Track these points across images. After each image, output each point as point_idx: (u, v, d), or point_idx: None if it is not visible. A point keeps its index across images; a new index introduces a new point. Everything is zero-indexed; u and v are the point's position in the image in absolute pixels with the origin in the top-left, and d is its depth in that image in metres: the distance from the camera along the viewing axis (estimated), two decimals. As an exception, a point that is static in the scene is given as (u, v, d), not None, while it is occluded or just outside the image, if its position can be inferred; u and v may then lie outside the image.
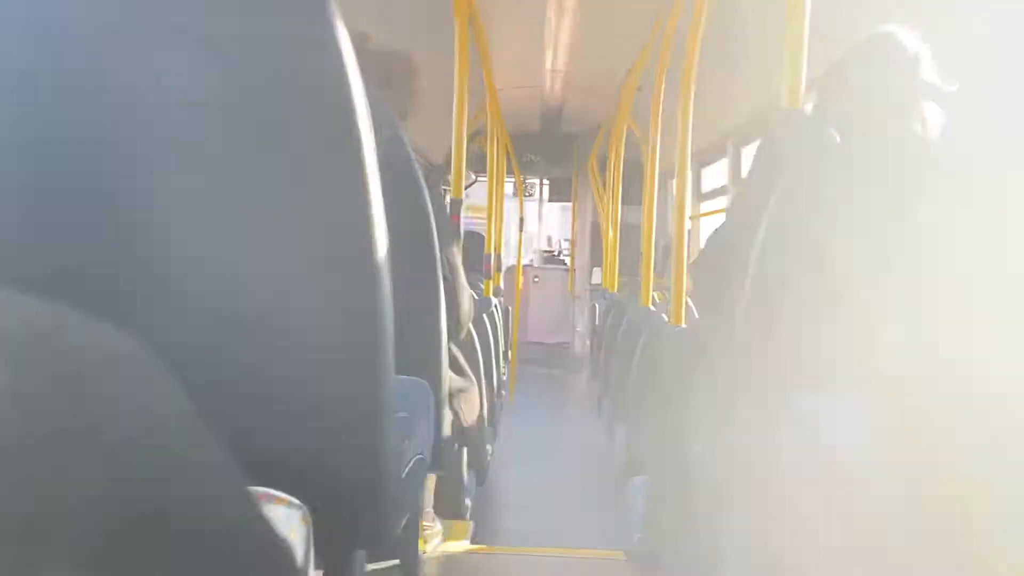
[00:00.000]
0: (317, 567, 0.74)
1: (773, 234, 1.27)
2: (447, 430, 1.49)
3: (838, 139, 1.19)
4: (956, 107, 0.74)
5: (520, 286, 6.45)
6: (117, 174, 0.80)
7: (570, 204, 7.43)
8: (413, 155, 1.42)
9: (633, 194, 5.12)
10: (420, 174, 1.41)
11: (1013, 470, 0.57)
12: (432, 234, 1.41)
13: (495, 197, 3.91)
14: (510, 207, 6.56)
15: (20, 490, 0.23)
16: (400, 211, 1.10)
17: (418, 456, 1.15)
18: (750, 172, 1.47)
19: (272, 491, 0.70)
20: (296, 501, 0.72)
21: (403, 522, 1.02)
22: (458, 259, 1.77)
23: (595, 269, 6.74)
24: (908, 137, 1.33)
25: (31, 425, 0.23)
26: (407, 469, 1.04)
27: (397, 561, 1.51)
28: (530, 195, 7.52)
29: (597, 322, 4.88)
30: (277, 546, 0.34)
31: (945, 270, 0.76)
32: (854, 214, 1.24)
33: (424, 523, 1.58)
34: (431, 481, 1.87)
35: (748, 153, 4.10)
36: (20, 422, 0.23)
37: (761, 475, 1.22)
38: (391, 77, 1.62)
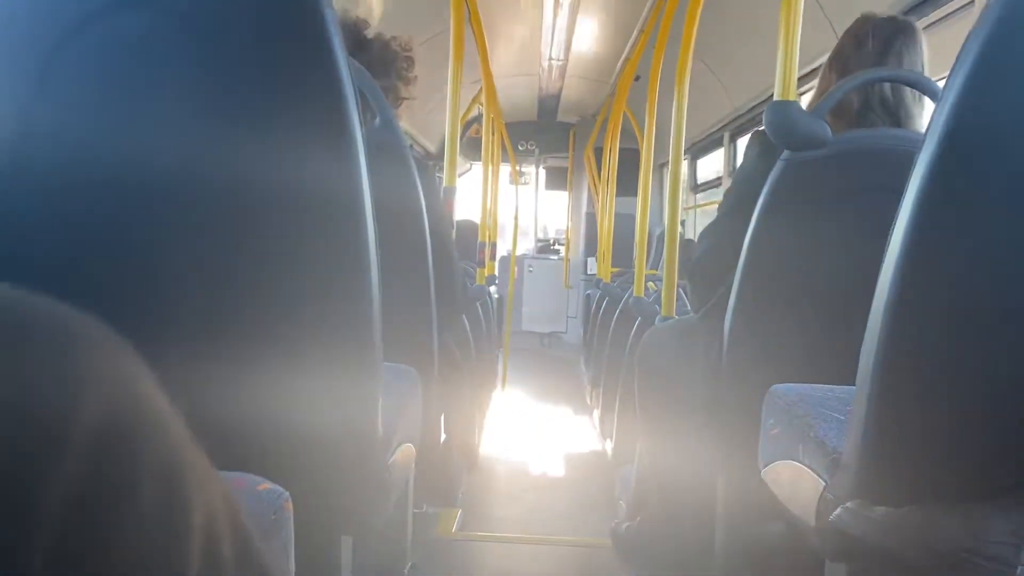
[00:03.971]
0: (301, 552, 0.75)
1: (763, 227, 1.27)
2: (436, 417, 1.50)
3: (830, 131, 1.19)
4: (946, 98, 0.73)
5: (514, 275, 6.44)
6: (106, 158, 0.79)
7: (566, 193, 7.41)
8: (407, 142, 1.42)
9: (629, 184, 5.10)
10: (413, 161, 1.41)
11: None
12: (423, 221, 1.41)
13: (490, 185, 3.89)
14: (505, 195, 6.54)
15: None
16: (392, 197, 1.09)
17: (406, 443, 1.16)
18: (742, 164, 1.46)
19: (254, 476, 0.70)
20: (279, 487, 0.72)
21: (390, 508, 1.02)
22: (451, 247, 1.77)
23: (590, 259, 6.73)
24: (897, 128, 1.33)
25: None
26: (394, 456, 1.04)
27: (385, 547, 1.51)
28: (525, 184, 7.51)
29: (590, 312, 4.88)
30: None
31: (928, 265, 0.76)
32: (844, 208, 1.24)
33: (412, 510, 1.59)
34: (419, 468, 1.87)
35: (743, 144, 4.09)
36: None
37: (745, 464, 1.22)
38: (389, 64, 1.61)
